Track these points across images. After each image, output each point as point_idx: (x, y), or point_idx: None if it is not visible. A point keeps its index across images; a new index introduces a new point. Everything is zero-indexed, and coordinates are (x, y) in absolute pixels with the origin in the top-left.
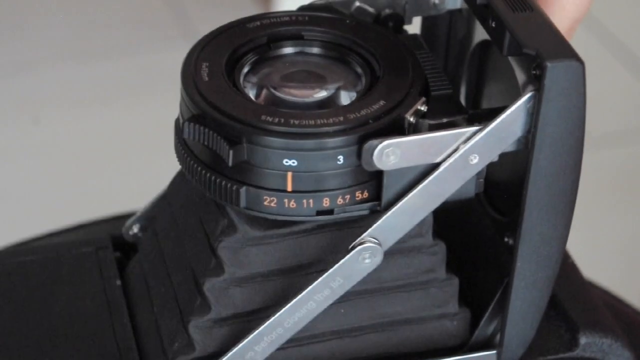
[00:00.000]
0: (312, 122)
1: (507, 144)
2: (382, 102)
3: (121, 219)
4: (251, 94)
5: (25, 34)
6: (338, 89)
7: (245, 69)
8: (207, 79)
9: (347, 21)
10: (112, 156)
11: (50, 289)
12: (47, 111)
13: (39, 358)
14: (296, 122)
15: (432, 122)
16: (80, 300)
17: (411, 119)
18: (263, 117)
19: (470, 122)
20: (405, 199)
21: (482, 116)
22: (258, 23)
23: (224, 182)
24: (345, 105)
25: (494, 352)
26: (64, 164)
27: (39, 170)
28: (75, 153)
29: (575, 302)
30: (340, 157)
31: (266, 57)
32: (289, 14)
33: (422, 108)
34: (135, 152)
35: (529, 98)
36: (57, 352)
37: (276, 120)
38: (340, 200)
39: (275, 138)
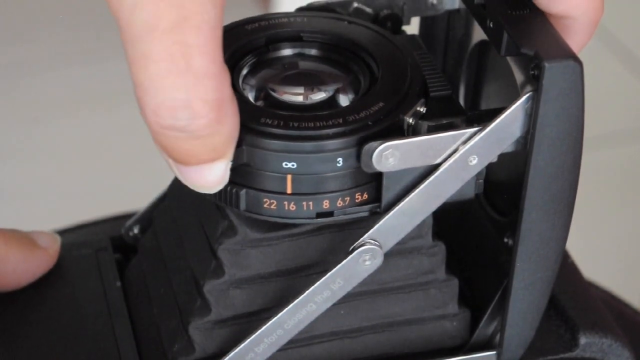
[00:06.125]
0: (311, 124)
1: (506, 145)
2: (381, 104)
3: (121, 219)
4: (250, 96)
5: (26, 35)
6: (337, 91)
7: (244, 71)
8: None
9: (346, 22)
10: (112, 156)
11: (49, 291)
12: (47, 111)
13: (39, 359)
14: (295, 124)
15: (431, 123)
16: (80, 302)
17: (410, 121)
18: (262, 120)
19: (469, 123)
20: (405, 200)
21: (481, 117)
22: (256, 24)
23: None
24: (344, 107)
25: (494, 352)
26: (64, 165)
27: (38, 171)
28: (75, 153)
29: (575, 302)
30: (340, 160)
31: (265, 59)
32: (287, 15)
33: (421, 109)
34: (135, 152)
35: (527, 98)
36: (57, 354)
37: (275, 122)
38: (340, 202)
39: (274, 141)
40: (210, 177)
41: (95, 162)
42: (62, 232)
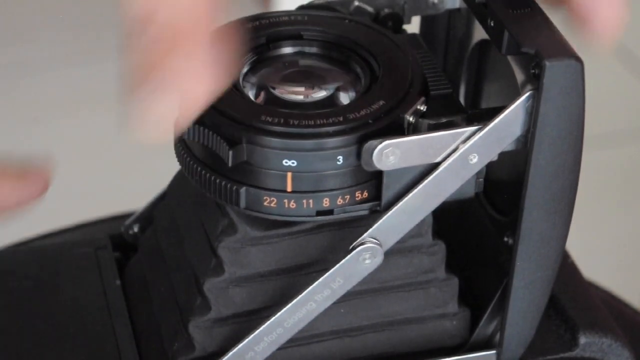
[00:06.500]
0: (311, 122)
1: (506, 144)
2: (381, 102)
3: (121, 218)
4: (250, 94)
5: (26, 35)
6: (337, 89)
7: (245, 69)
8: None
9: (346, 21)
10: (112, 156)
11: (50, 290)
12: (47, 111)
13: (38, 358)
14: (295, 122)
15: (431, 121)
16: (80, 301)
17: (410, 119)
18: (263, 118)
19: (469, 122)
20: (405, 199)
21: (482, 116)
22: (257, 23)
23: (223, 183)
24: (344, 106)
25: (494, 352)
26: (63, 164)
27: None
28: (75, 153)
29: (574, 301)
30: (340, 158)
31: (265, 57)
32: (288, 13)
33: (422, 108)
34: (135, 152)
35: (528, 97)
36: (57, 353)
37: (276, 120)
38: (340, 201)
39: (274, 138)
40: (156, 107)
41: (95, 162)
42: (62, 232)
